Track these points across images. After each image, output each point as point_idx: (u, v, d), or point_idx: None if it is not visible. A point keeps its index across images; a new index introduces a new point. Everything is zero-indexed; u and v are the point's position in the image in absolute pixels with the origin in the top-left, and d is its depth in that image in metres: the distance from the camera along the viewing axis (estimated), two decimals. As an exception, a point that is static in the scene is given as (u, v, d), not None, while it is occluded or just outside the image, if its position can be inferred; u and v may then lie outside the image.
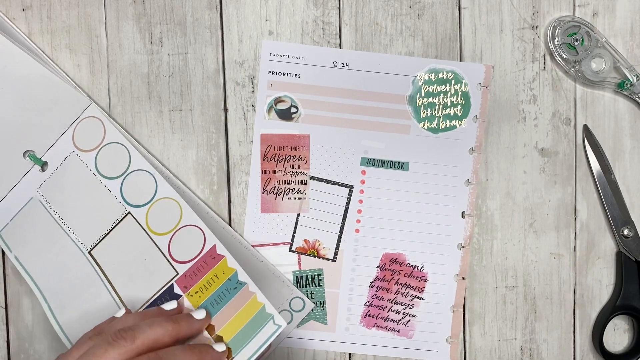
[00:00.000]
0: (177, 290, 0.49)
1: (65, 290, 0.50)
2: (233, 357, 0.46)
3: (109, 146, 0.51)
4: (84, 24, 0.53)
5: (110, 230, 0.51)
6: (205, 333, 0.47)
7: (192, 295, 0.48)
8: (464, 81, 0.54)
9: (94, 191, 0.51)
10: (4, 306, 0.53)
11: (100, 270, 0.50)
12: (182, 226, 0.50)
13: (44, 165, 0.51)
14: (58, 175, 0.51)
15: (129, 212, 0.51)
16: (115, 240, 0.50)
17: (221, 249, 0.49)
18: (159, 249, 0.50)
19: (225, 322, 0.47)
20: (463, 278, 0.55)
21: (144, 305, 0.50)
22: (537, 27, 0.55)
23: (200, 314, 0.46)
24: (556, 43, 0.54)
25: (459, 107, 0.54)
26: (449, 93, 0.54)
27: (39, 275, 0.51)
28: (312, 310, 0.54)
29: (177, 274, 0.49)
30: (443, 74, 0.54)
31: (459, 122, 0.54)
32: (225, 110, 0.54)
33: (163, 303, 0.48)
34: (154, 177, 0.51)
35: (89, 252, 0.51)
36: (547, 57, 0.55)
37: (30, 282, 0.51)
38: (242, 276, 0.48)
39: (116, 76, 0.53)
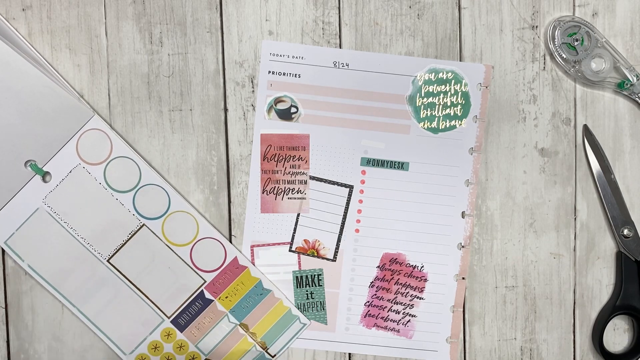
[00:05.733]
0: (208, 295, 0.53)
1: (88, 291, 0.52)
2: (268, 348, 0.53)
3: (118, 160, 0.52)
4: (84, 24, 0.53)
5: (127, 241, 0.53)
6: (241, 330, 0.53)
7: (223, 300, 0.53)
8: (464, 81, 0.54)
9: (105, 204, 0.52)
10: (4, 306, 0.53)
11: (123, 276, 0.53)
12: (200, 238, 0.53)
13: (45, 175, 0.52)
14: (64, 187, 0.52)
15: (143, 224, 0.53)
16: (134, 249, 0.53)
17: (243, 261, 0.53)
18: (181, 259, 0.53)
19: (256, 322, 0.53)
20: (463, 278, 0.55)
21: (177, 309, 0.53)
22: (537, 27, 0.55)
23: None
24: (556, 43, 0.54)
25: (459, 107, 0.54)
26: (449, 93, 0.54)
27: (58, 283, 0.53)
28: (312, 310, 0.54)
29: (205, 281, 0.53)
30: (443, 74, 0.54)
31: (459, 122, 0.54)
32: (225, 110, 0.54)
33: (196, 307, 0.53)
34: (166, 191, 0.53)
35: (108, 261, 0.53)
36: (547, 57, 0.55)
37: (50, 288, 0.53)
38: (267, 284, 0.53)
39: (116, 76, 0.53)
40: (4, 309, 0.53)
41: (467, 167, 0.54)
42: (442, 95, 0.54)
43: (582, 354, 0.56)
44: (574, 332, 0.56)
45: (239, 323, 0.53)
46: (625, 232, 0.55)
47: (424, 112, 0.54)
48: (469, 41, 0.54)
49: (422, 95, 0.54)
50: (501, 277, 0.55)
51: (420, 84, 0.54)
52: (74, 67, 0.53)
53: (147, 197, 0.53)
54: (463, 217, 0.54)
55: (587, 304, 0.56)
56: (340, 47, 0.54)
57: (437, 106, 0.54)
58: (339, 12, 0.54)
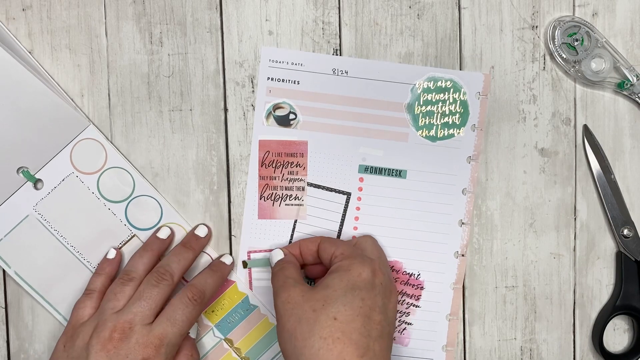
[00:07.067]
0: None
1: (76, 300, 0.51)
2: None
3: (112, 170, 0.52)
4: (84, 24, 0.53)
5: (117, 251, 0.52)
6: (225, 344, 0.53)
7: (209, 314, 0.53)
8: (462, 90, 0.54)
9: (97, 213, 0.52)
10: (4, 306, 0.53)
11: None
12: None
13: (37, 182, 0.51)
14: (56, 195, 0.52)
15: (134, 235, 0.53)
16: (124, 259, 0.53)
17: (231, 275, 0.53)
18: None
19: (242, 337, 0.53)
20: (460, 286, 0.55)
21: None
22: (537, 27, 0.55)
23: (202, 231, 0.52)
24: (556, 43, 0.54)
25: (457, 115, 0.54)
26: (448, 101, 0.54)
27: (45, 290, 0.52)
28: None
29: None
30: (442, 82, 0.54)
31: (457, 130, 0.54)
32: (225, 110, 0.54)
33: None
34: (159, 202, 0.53)
35: None
36: (547, 57, 0.55)
37: (37, 295, 0.52)
38: (253, 300, 0.53)
39: (116, 76, 0.53)
40: (4, 309, 0.53)
41: (464, 175, 0.54)
42: (440, 104, 0.54)
43: (582, 354, 0.56)
44: (574, 332, 0.56)
45: (223, 338, 0.53)
46: (625, 232, 0.55)
47: (422, 120, 0.54)
48: (469, 41, 0.54)
49: (421, 103, 0.54)
50: (501, 277, 0.55)
51: (419, 92, 0.54)
52: (74, 67, 0.53)
53: (139, 208, 0.53)
54: (460, 225, 0.54)
55: (587, 304, 0.56)
56: (340, 47, 0.54)
57: (435, 114, 0.54)
58: (339, 12, 0.54)
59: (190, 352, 0.49)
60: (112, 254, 0.52)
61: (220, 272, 0.51)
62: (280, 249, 0.51)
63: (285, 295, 0.46)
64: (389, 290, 0.47)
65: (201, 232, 0.52)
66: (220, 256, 0.53)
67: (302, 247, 0.51)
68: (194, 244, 0.51)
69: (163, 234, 0.52)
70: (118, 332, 0.45)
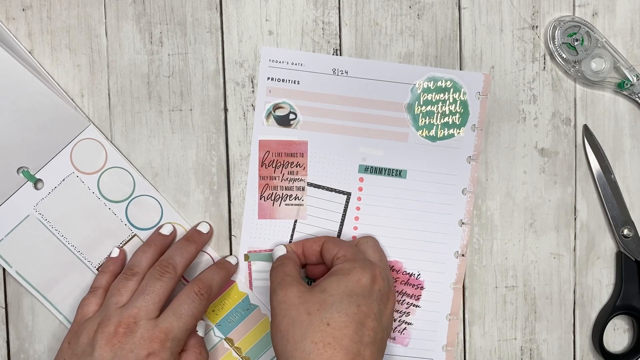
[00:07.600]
0: None
1: (76, 299, 0.51)
2: None
3: (112, 170, 0.52)
4: (84, 24, 0.53)
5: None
6: (226, 344, 0.53)
7: (209, 313, 0.53)
8: (462, 90, 0.54)
9: (98, 213, 0.52)
10: (4, 306, 0.53)
11: None
12: None
13: (37, 182, 0.51)
14: (57, 195, 0.52)
15: (135, 234, 0.53)
16: (125, 259, 0.53)
17: (233, 275, 0.53)
18: None
19: (242, 336, 0.53)
20: (460, 286, 0.55)
21: None
22: (537, 27, 0.55)
23: (205, 228, 0.53)
24: (556, 43, 0.54)
25: (457, 115, 0.54)
26: (448, 101, 0.54)
27: (47, 290, 0.52)
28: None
29: None
30: (442, 82, 0.54)
31: (457, 130, 0.54)
32: (225, 110, 0.54)
33: None
34: (159, 202, 0.53)
35: (98, 269, 0.53)
36: (547, 57, 0.55)
37: (38, 295, 0.52)
38: (254, 299, 0.54)
39: (116, 76, 0.53)
40: (4, 309, 0.53)
41: (464, 175, 0.54)
42: (440, 104, 0.54)
43: (582, 354, 0.56)
44: (574, 332, 0.56)
45: (224, 337, 0.53)
46: (625, 232, 0.55)
47: (422, 120, 0.54)
48: (469, 41, 0.54)
49: (421, 103, 0.54)
50: (501, 277, 0.55)
51: (419, 92, 0.54)
52: (74, 67, 0.53)
53: (140, 208, 0.53)
54: (460, 225, 0.54)
55: (587, 304, 0.56)
56: (340, 47, 0.54)
57: (435, 114, 0.54)
58: (339, 12, 0.54)
59: (199, 350, 0.49)
60: (115, 253, 0.52)
61: (226, 270, 0.51)
62: (284, 245, 0.52)
63: (282, 295, 0.46)
64: (386, 297, 0.47)
65: (203, 228, 0.52)
66: (225, 257, 0.53)
67: (306, 246, 0.51)
68: (197, 238, 0.52)
69: (166, 230, 0.52)
70: (123, 327, 0.45)
